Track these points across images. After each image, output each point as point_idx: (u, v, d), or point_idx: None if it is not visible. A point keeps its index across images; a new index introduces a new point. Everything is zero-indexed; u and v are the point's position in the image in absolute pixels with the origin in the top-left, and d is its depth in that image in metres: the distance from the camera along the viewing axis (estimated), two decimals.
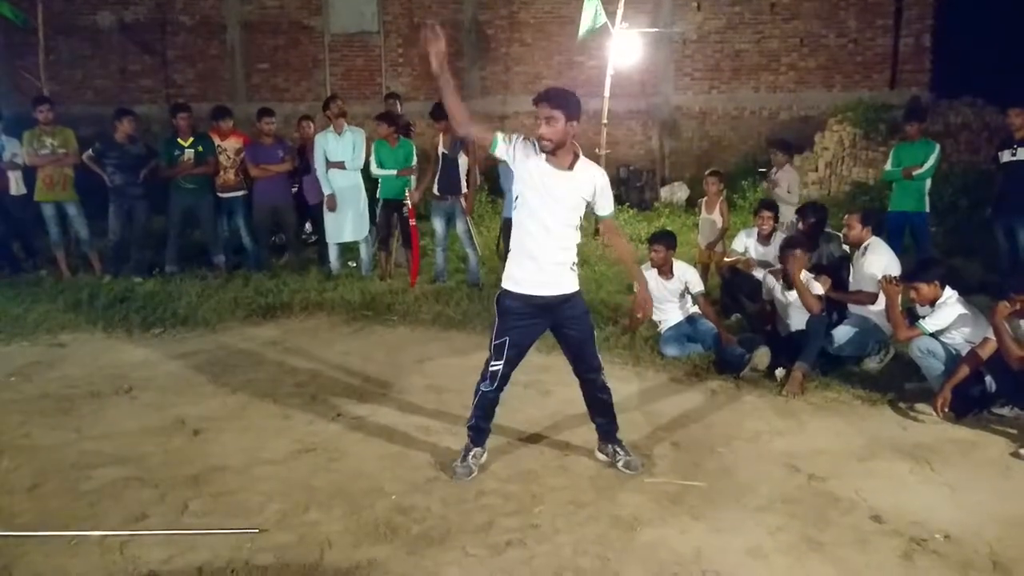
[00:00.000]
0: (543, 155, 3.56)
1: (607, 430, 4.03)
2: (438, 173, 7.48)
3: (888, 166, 7.58)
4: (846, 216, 5.92)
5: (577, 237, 3.70)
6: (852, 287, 5.76)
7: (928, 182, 7.39)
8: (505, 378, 3.81)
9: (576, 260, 3.73)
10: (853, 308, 5.69)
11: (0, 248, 8.30)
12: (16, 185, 8.18)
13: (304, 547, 3.25)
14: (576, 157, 3.61)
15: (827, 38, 12.44)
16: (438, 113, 7.39)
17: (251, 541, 3.29)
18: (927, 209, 7.48)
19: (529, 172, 3.60)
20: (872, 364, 5.48)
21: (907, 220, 7.44)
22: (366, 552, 3.20)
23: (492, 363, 3.78)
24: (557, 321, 3.78)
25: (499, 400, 3.89)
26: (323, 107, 8.02)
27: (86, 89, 13.15)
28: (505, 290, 3.75)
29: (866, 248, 5.66)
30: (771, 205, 6.74)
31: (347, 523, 3.44)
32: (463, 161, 7.46)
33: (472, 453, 3.91)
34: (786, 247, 5.58)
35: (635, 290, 5.45)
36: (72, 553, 3.19)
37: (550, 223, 3.60)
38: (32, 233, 8.51)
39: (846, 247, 6.13)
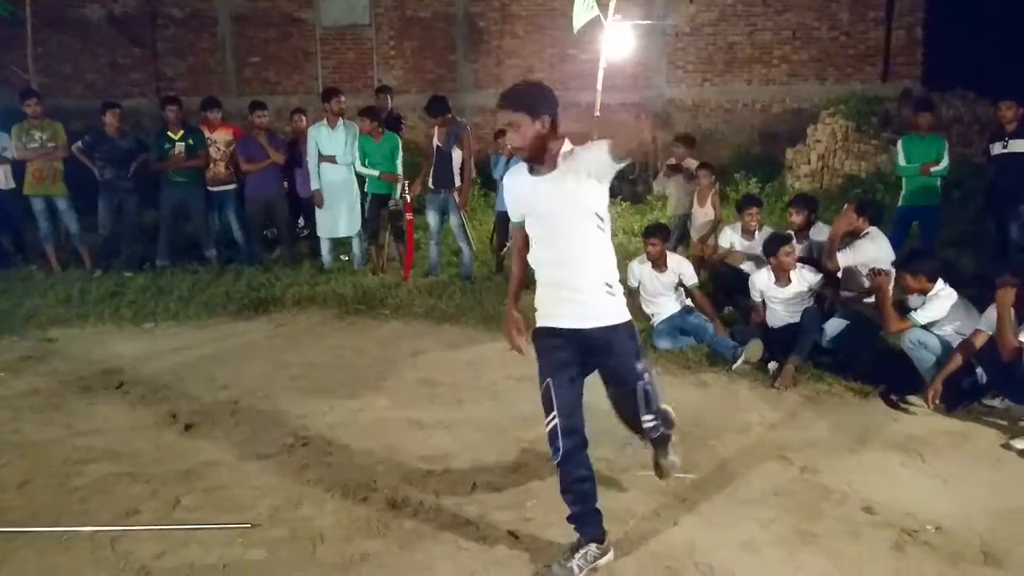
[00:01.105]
0: (527, 168, 2.97)
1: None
2: (432, 166, 7.46)
3: (901, 161, 7.33)
4: (845, 206, 5.93)
5: (602, 248, 2.95)
6: (843, 275, 5.75)
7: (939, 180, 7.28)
8: (571, 436, 2.96)
9: (613, 280, 2.98)
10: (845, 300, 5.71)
11: None
12: (5, 179, 8.12)
13: (296, 542, 3.24)
14: (558, 153, 2.88)
15: (819, 30, 12.44)
16: (435, 108, 7.36)
17: (243, 536, 3.28)
18: (939, 202, 7.41)
19: (522, 196, 3.01)
20: (864, 356, 5.48)
21: (918, 214, 7.34)
22: (359, 546, 3.20)
23: (547, 420, 2.98)
24: (596, 361, 3.07)
25: (586, 473, 3.02)
26: (324, 99, 7.90)
27: (75, 83, 13.05)
28: (536, 327, 3.09)
29: (865, 236, 5.64)
30: (759, 201, 6.74)
31: (339, 517, 3.43)
32: (457, 155, 7.44)
33: (585, 552, 3.00)
34: (774, 242, 5.59)
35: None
36: (63, 549, 3.18)
37: (557, 242, 2.93)
38: (22, 227, 8.45)
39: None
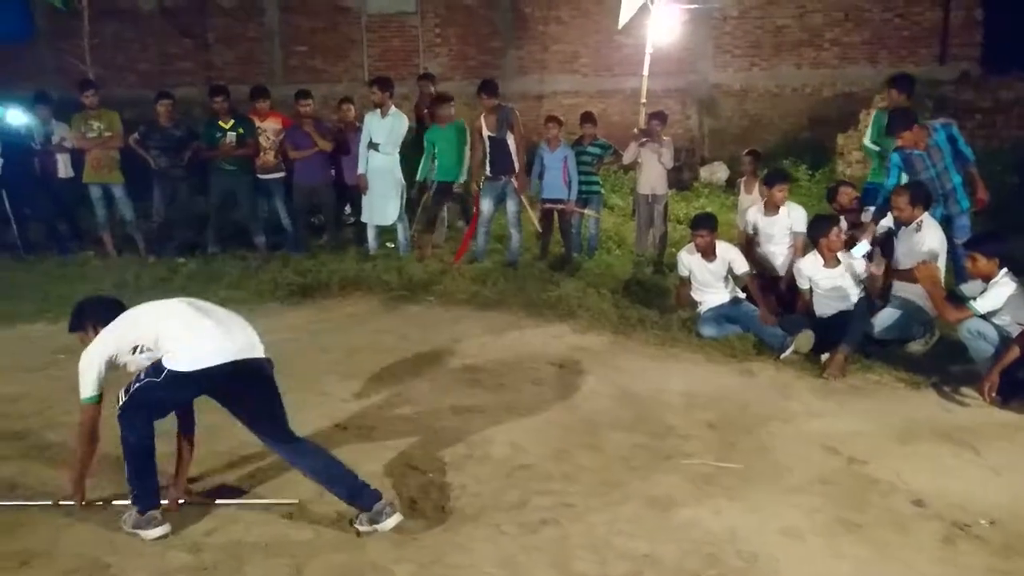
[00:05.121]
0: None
1: None
2: (488, 155, 7.47)
3: (866, 138, 7.08)
4: (892, 196, 5.74)
5: None
6: (899, 265, 5.59)
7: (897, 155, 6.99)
8: None
9: None
10: (897, 290, 5.54)
11: (48, 229, 8.52)
12: (64, 168, 8.38)
13: (340, 522, 3.30)
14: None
15: (872, 12, 12.09)
16: (489, 89, 7.35)
17: (289, 516, 3.35)
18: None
19: None
20: (916, 347, 5.36)
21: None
22: (400, 527, 3.24)
23: None
24: None
25: None
26: (382, 87, 7.86)
27: (129, 73, 13.33)
28: None
29: (920, 224, 5.42)
30: (786, 176, 6.57)
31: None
32: (511, 140, 7.44)
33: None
34: (823, 223, 5.49)
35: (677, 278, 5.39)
36: (116, 526, 3.27)
37: None
38: (79, 215, 8.71)
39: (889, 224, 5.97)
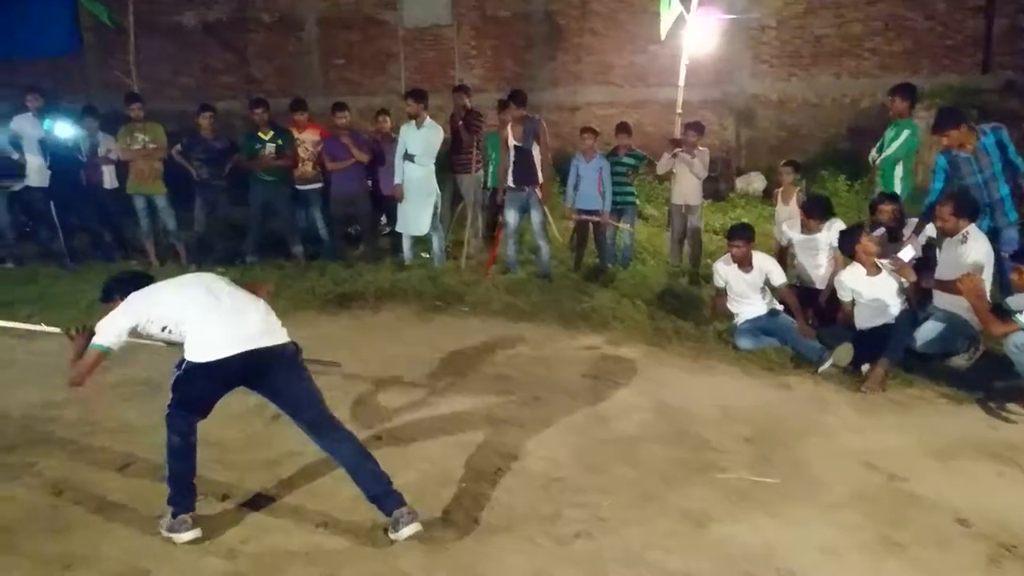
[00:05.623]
0: None
1: None
2: (512, 164, 7.50)
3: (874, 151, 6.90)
4: (936, 205, 5.60)
5: None
6: (942, 276, 5.45)
7: (899, 167, 6.74)
8: None
9: None
10: (939, 302, 5.42)
11: (94, 239, 8.74)
12: (110, 179, 8.60)
13: (375, 532, 3.32)
14: None
15: (913, 21, 11.91)
16: (519, 99, 7.40)
17: (324, 525, 3.38)
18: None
19: None
20: (960, 361, 5.23)
21: None
22: (434, 538, 3.25)
23: None
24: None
25: None
26: (416, 99, 7.89)
27: (172, 87, 13.65)
28: None
29: (965, 236, 5.25)
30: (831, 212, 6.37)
31: (416, 509, 3.49)
32: (537, 151, 7.46)
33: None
34: (851, 234, 5.41)
35: None
36: (155, 531, 3.33)
37: None
38: (122, 224, 8.91)
39: (931, 235, 5.86)
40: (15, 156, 8.29)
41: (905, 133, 6.69)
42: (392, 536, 3.23)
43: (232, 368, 3.25)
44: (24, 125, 8.25)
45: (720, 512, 3.45)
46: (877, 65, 12.11)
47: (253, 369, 3.30)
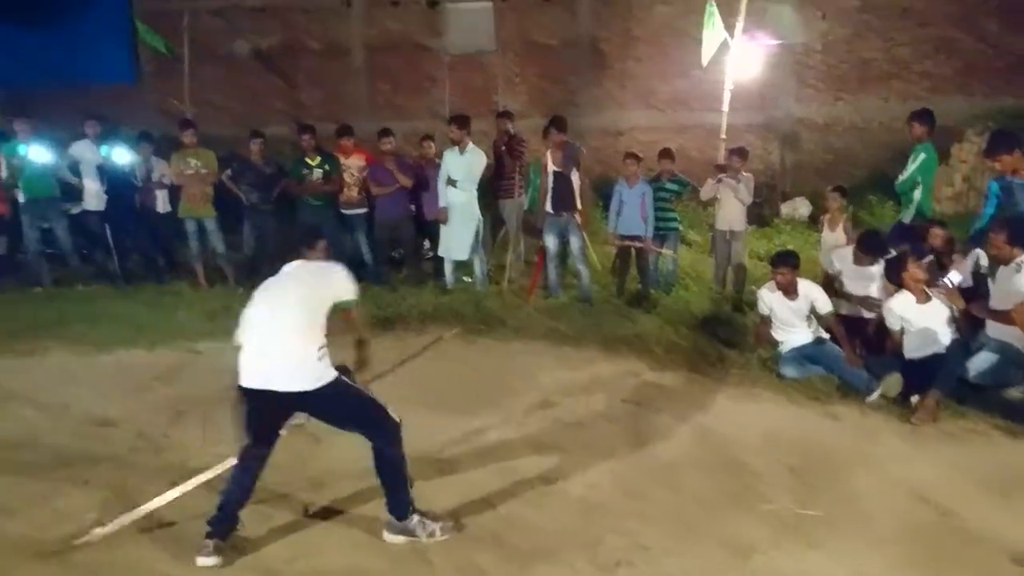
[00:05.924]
0: None
1: None
2: (550, 190, 7.54)
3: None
4: (990, 232, 5.45)
5: None
6: (995, 306, 5.31)
7: (916, 190, 6.63)
8: None
9: None
10: (992, 332, 5.26)
11: (147, 261, 8.99)
12: (163, 203, 8.84)
13: (416, 553, 3.34)
14: None
15: (964, 43, 11.72)
16: (560, 125, 7.47)
17: (367, 547, 3.41)
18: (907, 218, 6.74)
19: None
20: (1015, 393, 5.06)
21: None
22: (473, 560, 3.25)
23: None
24: None
25: None
26: (460, 125, 8.01)
27: (223, 112, 14.02)
28: None
29: (1020, 264, 5.05)
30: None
31: (454, 531, 3.50)
32: (576, 177, 7.49)
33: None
34: (898, 263, 5.31)
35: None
36: (199, 549, 3.38)
37: None
38: (173, 247, 9.15)
39: (984, 263, 5.72)
40: (74, 181, 8.60)
41: (921, 156, 6.65)
42: (395, 538, 3.44)
43: (256, 398, 3.32)
44: (83, 151, 8.57)
45: (763, 543, 3.39)
46: (927, 88, 11.92)
47: (276, 405, 3.36)
